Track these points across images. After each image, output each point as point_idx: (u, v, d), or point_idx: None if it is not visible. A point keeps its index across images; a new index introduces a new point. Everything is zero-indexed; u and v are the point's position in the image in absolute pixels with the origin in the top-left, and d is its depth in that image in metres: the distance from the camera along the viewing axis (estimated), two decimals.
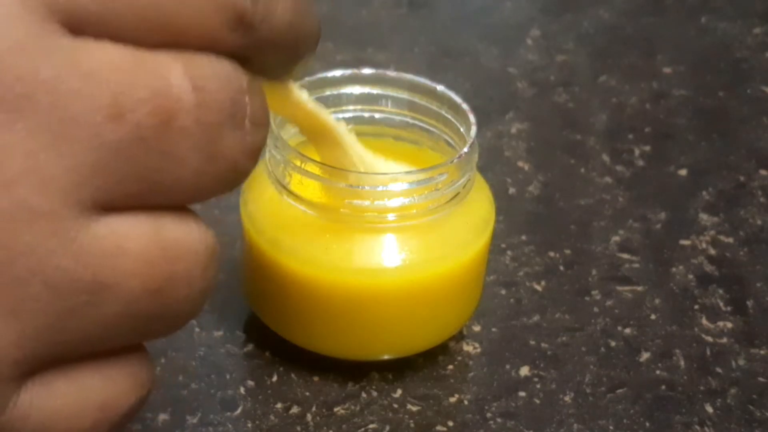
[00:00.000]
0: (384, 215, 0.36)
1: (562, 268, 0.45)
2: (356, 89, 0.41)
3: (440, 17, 0.63)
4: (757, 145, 0.53)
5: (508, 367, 0.40)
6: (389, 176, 0.36)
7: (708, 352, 0.41)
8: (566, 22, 0.62)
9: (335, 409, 0.38)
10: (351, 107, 0.41)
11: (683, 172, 0.51)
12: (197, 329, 0.41)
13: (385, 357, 0.39)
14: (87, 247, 0.21)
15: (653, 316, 0.43)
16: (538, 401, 0.39)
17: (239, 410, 0.37)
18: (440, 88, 0.40)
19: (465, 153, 0.37)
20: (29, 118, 0.20)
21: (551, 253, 0.46)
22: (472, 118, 0.39)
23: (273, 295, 0.38)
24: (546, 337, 0.42)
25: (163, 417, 0.37)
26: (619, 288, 0.44)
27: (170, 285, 0.22)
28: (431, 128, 0.41)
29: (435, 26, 0.62)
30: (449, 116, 0.40)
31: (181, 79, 0.21)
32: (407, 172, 0.36)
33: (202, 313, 0.41)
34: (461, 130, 0.39)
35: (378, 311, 0.37)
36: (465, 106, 0.39)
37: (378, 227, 0.36)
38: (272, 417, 0.37)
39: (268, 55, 0.24)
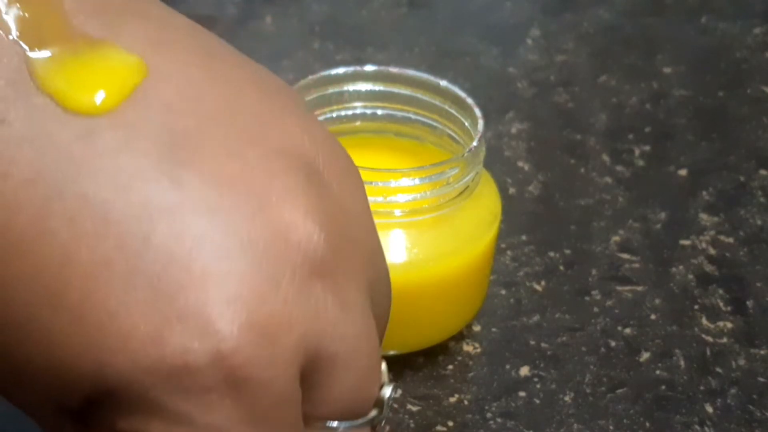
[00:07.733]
0: (395, 211, 0.36)
1: (562, 268, 0.45)
2: (359, 86, 0.41)
3: (440, 17, 0.63)
4: (757, 145, 0.53)
5: (508, 367, 0.40)
6: (401, 172, 0.36)
7: (708, 352, 0.41)
8: (566, 22, 0.62)
9: None
10: (354, 104, 0.41)
11: (683, 172, 0.51)
12: None
13: (392, 353, 0.39)
14: None
15: (653, 316, 0.43)
16: (538, 401, 0.39)
17: None
18: (444, 83, 0.40)
19: (474, 146, 0.37)
20: None
21: (551, 253, 0.46)
22: (478, 112, 0.39)
23: None
24: (546, 337, 0.42)
25: None
26: (619, 288, 0.44)
27: None
28: (435, 124, 0.41)
29: (435, 26, 0.62)
30: (453, 111, 0.40)
31: None
32: (419, 168, 0.36)
33: None
34: (466, 124, 0.39)
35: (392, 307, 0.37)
36: (470, 100, 0.39)
37: (388, 223, 0.36)
38: None
39: None
